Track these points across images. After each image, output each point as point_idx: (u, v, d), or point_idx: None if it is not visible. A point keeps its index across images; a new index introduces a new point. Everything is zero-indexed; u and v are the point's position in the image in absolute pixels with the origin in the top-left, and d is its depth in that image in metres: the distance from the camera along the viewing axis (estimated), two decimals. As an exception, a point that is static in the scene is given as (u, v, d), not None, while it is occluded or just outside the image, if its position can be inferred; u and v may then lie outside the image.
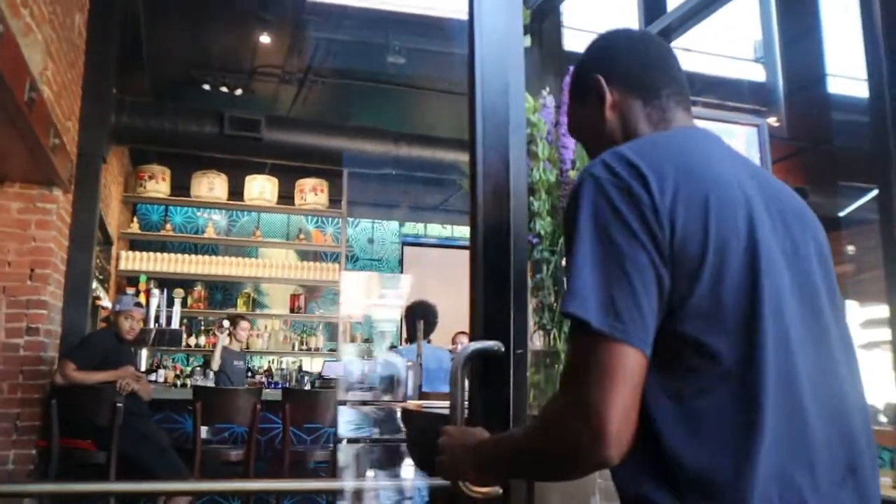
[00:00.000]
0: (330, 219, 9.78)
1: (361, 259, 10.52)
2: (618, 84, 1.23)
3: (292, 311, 9.06)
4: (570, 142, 1.74)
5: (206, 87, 7.33)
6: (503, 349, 1.35)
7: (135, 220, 8.68)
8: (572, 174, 1.74)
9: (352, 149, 7.54)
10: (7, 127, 3.21)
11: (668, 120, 1.21)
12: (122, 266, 8.05)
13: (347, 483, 5.66)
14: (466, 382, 1.38)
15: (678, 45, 3.62)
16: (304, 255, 9.55)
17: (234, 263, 8.60)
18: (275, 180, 8.79)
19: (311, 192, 8.88)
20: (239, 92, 7.45)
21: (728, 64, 5.07)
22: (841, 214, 6.53)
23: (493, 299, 1.41)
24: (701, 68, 4.83)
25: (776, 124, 5.01)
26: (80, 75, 4.79)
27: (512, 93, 1.53)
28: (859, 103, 5.35)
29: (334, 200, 8.99)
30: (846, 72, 5.27)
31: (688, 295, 0.96)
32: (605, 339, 0.93)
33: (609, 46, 1.28)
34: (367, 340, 9.67)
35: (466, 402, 1.37)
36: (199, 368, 7.22)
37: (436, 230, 10.99)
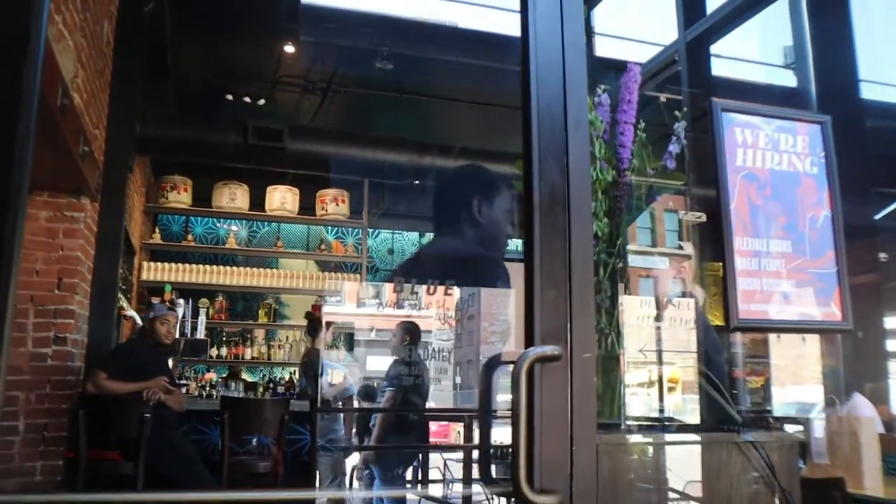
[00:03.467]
0: (350, 230, 9.75)
1: (382, 270, 10.49)
2: None
3: (313, 321, 9.02)
4: (628, 139, 1.69)
5: (229, 97, 7.33)
6: (561, 354, 1.31)
7: (157, 230, 8.68)
8: (630, 174, 1.69)
9: (374, 159, 7.53)
10: (38, 133, 3.19)
11: None
12: (145, 276, 8.05)
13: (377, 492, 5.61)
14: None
15: (714, 50, 3.56)
16: (324, 266, 9.54)
17: (255, 274, 8.60)
18: (296, 191, 8.78)
19: (333, 202, 8.86)
20: (262, 102, 7.45)
21: (759, 70, 5.01)
22: (876, 218, 6.43)
23: (551, 304, 1.36)
24: (734, 74, 4.78)
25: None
26: (107, 84, 4.79)
27: (571, 87, 1.48)
28: (893, 109, 5.26)
29: (355, 211, 8.98)
30: (879, 78, 5.20)
31: None
32: None
33: None
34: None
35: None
36: (220, 380, 7.22)
37: (455, 241, 10.94)
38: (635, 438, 1.53)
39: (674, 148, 1.73)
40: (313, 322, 6.78)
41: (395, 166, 7.73)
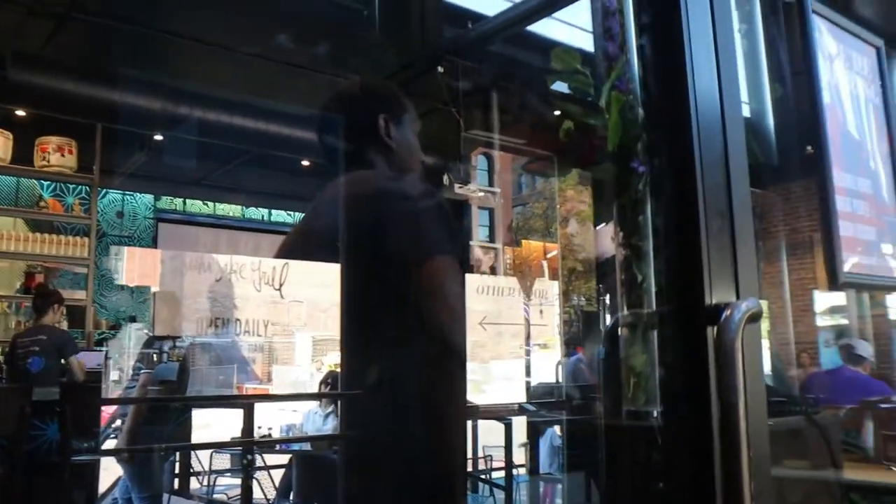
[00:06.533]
0: (71, 187, 8.39)
1: (109, 235, 9.17)
2: None
3: (27, 291, 7.57)
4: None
5: (-74, 8, 5.80)
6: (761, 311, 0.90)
7: None
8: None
9: (119, 102, 6.45)
10: None
11: None
12: None
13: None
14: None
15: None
16: (37, 227, 8.07)
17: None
18: (8, 135, 7.29)
19: (57, 152, 7.48)
20: (-30, 20, 6.00)
21: None
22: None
23: (716, 237, 0.95)
24: None
25: None
26: None
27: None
28: None
29: (84, 166, 7.68)
30: None
31: None
32: None
33: None
34: (114, 327, 8.50)
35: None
36: None
37: (196, 206, 9.92)
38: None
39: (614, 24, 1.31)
40: (43, 296, 5.70)
41: (142, 113, 6.71)
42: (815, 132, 1.25)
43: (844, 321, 7.08)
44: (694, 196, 0.93)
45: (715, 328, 0.83)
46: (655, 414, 1.04)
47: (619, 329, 1.29)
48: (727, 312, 0.82)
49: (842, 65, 1.39)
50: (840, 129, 1.33)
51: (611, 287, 1.36)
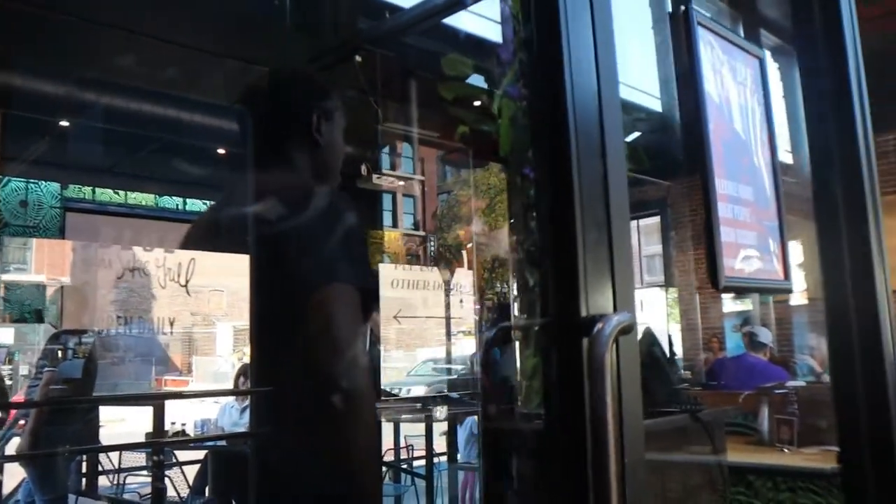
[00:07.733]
0: (-31, 175, 8.01)
1: (12, 225, 8.78)
2: None
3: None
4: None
5: None
6: (633, 324, 0.92)
7: None
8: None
9: (18, 87, 6.17)
10: None
11: None
12: None
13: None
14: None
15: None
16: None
17: None
18: None
19: (-48, 139, 7.11)
20: None
21: None
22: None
23: (593, 249, 0.96)
24: None
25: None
26: None
27: None
28: None
29: (-17, 153, 7.33)
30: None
31: None
32: None
33: None
34: (21, 320, 8.18)
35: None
36: None
37: (107, 195, 9.59)
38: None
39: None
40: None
41: (45, 99, 6.43)
42: (698, 146, 1.29)
43: (750, 307, 7.38)
44: (571, 206, 0.94)
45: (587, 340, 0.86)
46: (539, 418, 1.06)
47: (513, 332, 1.31)
48: (599, 326, 0.84)
49: (728, 74, 1.44)
50: (724, 137, 1.38)
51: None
